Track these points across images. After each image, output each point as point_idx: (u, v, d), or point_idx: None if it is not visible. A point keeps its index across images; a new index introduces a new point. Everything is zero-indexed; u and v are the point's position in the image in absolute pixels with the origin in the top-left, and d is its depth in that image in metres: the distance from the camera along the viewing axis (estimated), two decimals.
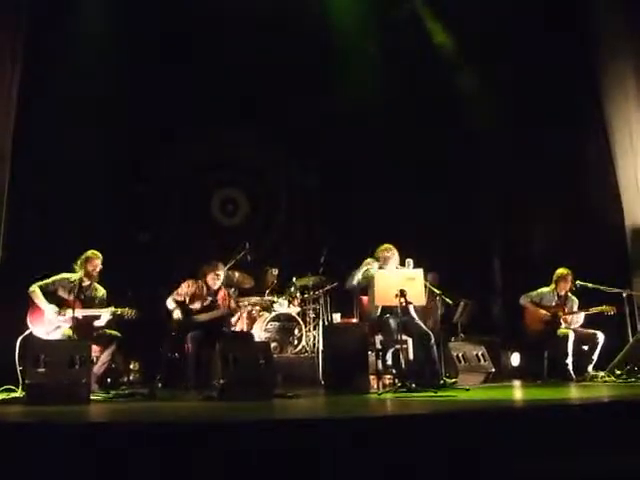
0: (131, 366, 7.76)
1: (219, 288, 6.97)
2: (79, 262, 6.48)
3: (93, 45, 8.32)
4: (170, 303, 6.75)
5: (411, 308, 6.52)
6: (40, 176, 8.01)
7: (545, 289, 7.63)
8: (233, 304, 6.99)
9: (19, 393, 5.64)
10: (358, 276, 6.62)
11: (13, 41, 7.45)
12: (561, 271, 7.56)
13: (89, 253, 6.50)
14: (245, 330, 7.82)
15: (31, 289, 6.30)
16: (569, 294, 7.59)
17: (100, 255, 6.52)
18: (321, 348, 7.25)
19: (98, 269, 6.48)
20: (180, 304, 6.76)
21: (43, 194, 8.08)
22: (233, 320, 6.94)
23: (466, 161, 9.06)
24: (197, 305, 6.83)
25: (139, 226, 9.07)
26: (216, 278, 6.91)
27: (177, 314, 6.68)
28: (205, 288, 6.91)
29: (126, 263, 8.07)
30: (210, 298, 6.88)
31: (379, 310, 6.53)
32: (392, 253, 6.64)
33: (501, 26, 8.49)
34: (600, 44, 8.44)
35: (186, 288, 6.86)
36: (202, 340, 6.45)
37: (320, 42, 9.06)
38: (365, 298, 7.23)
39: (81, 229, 7.85)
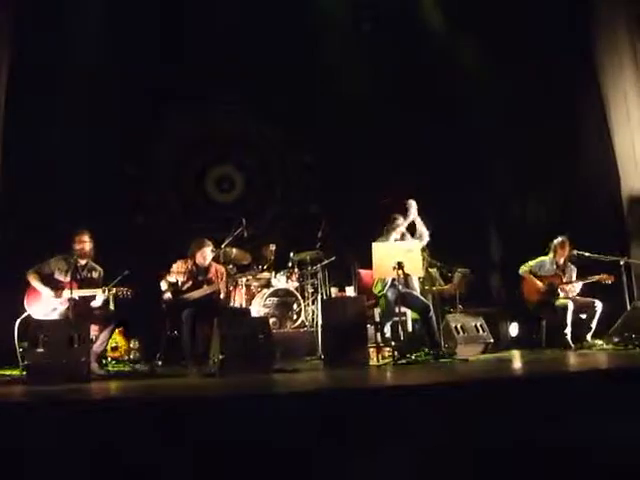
0: (131, 344, 7.78)
1: (209, 265, 6.94)
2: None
3: (83, 25, 8.24)
4: (163, 284, 6.72)
5: (415, 280, 6.54)
6: (33, 159, 7.97)
7: (544, 258, 7.64)
8: (225, 280, 6.94)
9: (19, 374, 5.66)
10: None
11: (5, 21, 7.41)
12: (558, 239, 7.58)
13: (78, 231, 6.45)
14: (244, 306, 7.83)
15: (28, 273, 6.29)
16: (568, 262, 7.60)
17: (86, 232, 6.46)
18: (320, 322, 7.27)
19: (88, 247, 6.43)
20: (172, 285, 6.74)
21: (36, 177, 8.04)
22: (223, 296, 6.89)
23: (462, 133, 9.00)
24: (189, 284, 6.79)
25: (134, 208, 9.10)
26: (204, 255, 6.86)
27: (168, 295, 6.68)
28: (194, 266, 6.87)
29: (124, 243, 8.09)
30: (200, 276, 6.85)
31: (389, 282, 6.51)
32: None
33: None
34: (596, 18, 8.37)
35: (177, 268, 6.81)
36: (197, 317, 6.43)
37: (314, 17, 8.98)
38: (364, 272, 7.25)
39: (77, 211, 7.83)
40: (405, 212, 6.69)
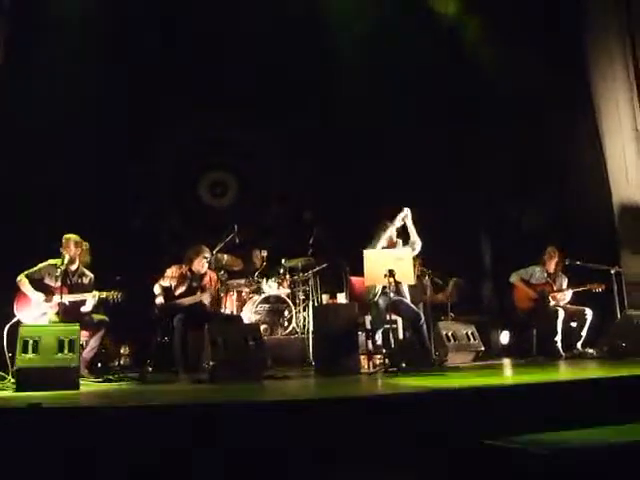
0: (122, 350, 7.75)
1: (205, 272, 6.93)
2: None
3: (83, 25, 8.23)
4: (156, 289, 6.72)
5: (405, 287, 6.53)
6: (31, 160, 7.94)
7: (535, 266, 7.69)
8: (218, 287, 6.93)
9: (8, 379, 5.62)
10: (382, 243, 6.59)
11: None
12: (547, 248, 7.62)
13: (64, 236, 6.38)
14: (235, 312, 7.82)
15: (18, 278, 6.26)
16: (559, 271, 7.63)
17: (72, 237, 6.39)
18: (311, 329, 7.25)
19: (73, 252, 6.34)
20: (165, 290, 6.73)
21: (33, 179, 8.01)
22: (214, 303, 6.87)
23: (456, 141, 9.02)
24: (182, 289, 6.79)
25: (131, 211, 9.08)
26: (201, 262, 6.86)
27: (160, 299, 6.66)
28: (189, 272, 6.86)
29: (115, 247, 8.05)
30: (195, 282, 6.84)
31: (379, 290, 6.51)
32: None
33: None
34: (588, 27, 8.42)
35: (171, 273, 6.81)
36: (188, 323, 6.42)
37: (309, 20, 9.00)
38: (356, 279, 7.24)
39: (69, 216, 7.78)
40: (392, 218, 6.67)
